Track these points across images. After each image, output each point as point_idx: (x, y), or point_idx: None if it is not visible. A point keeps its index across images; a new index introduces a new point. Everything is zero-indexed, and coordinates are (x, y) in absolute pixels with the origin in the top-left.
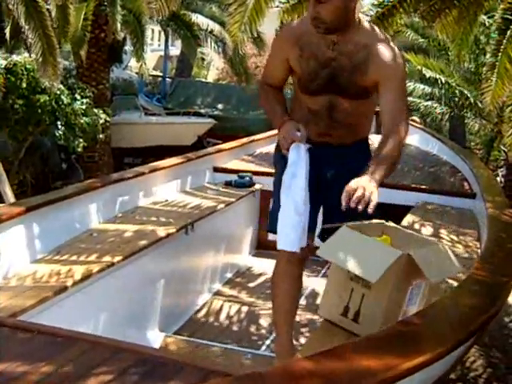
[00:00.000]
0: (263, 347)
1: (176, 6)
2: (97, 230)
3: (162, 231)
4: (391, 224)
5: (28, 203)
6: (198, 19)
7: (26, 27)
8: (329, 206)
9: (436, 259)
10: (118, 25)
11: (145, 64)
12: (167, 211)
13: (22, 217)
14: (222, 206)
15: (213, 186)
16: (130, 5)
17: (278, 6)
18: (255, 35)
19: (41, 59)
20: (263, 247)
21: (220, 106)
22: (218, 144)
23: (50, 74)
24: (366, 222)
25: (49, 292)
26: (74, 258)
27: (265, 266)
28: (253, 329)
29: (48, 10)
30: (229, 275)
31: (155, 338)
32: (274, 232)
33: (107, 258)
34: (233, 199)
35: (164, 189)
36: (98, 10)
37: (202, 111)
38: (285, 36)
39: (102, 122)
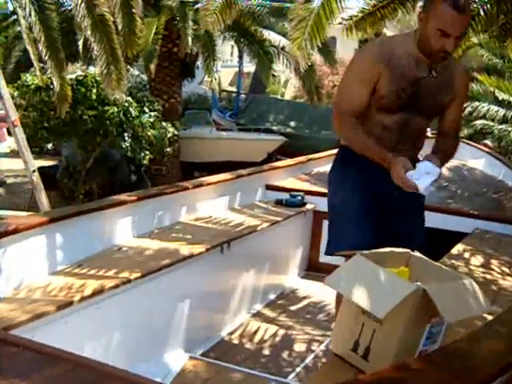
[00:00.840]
0: (291, 375)
1: (231, 19)
2: (128, 244)
3: (193, 249)
4: (417, 254)
5: (52, 214)
6: (271, 36)
7: (92, 39)
8: (397, 231)
9: (457, 297)
10: (189, 39)
11: (215, 79)
12: (207, 228)
13: (43, 227)
14: (265, 225)
15: (263, 204)
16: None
17: (341, 23)
18: (315, 51)
19: (105, 71)
20: (314, 269)
21: (292, 124)
22: None
23: (114, 86)
24: (388, 250)
25: (52, 306)
26: (93, 272)
27: (311, 289)
28: (285, 355)
29: (114, 22)
30: (272, 296)
31: (178, 359)
32: (331, 254)
33: (125, 274)
34: (279, 218)
35: (210, 205)
36: (171, 25)
37: (275, 128)
38: (375, 57)
39: (169, 135)
